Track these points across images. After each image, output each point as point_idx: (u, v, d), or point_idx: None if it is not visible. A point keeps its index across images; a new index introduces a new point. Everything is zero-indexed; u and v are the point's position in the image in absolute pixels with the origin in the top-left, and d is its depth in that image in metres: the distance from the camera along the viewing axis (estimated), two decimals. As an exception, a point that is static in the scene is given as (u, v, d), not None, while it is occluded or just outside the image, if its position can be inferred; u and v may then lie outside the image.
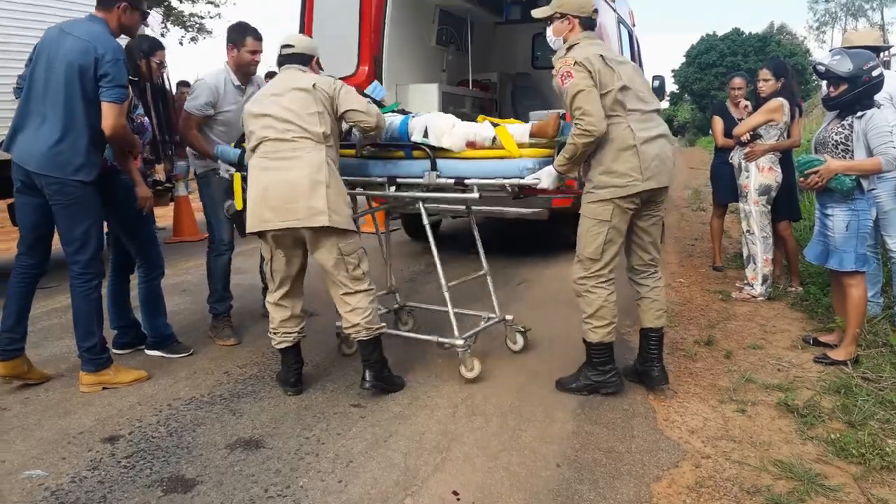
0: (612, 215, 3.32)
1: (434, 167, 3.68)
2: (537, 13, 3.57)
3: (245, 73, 4.49)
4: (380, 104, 4.20)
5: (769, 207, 5.41)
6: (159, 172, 5.17)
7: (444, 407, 3.44)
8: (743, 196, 5.51)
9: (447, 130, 3.70)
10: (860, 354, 3.96)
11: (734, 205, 6.11)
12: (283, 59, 3.65)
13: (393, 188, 3.89)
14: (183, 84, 9.66)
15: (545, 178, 3.45)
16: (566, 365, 3.92)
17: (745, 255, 5.59)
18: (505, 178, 3.58)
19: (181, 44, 25.15)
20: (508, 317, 4.28)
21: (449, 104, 7.84)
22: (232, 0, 22.80)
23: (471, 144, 3.70)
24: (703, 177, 13.29)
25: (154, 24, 22.02)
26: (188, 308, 5.41)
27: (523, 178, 3.52)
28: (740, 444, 3.06)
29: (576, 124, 3.23)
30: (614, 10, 8.28)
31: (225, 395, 3.62)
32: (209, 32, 24.78)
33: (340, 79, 6.18)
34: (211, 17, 24.04)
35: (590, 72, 3.22)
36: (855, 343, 3.97)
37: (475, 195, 3.65)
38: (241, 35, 4.43)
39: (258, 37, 4.47)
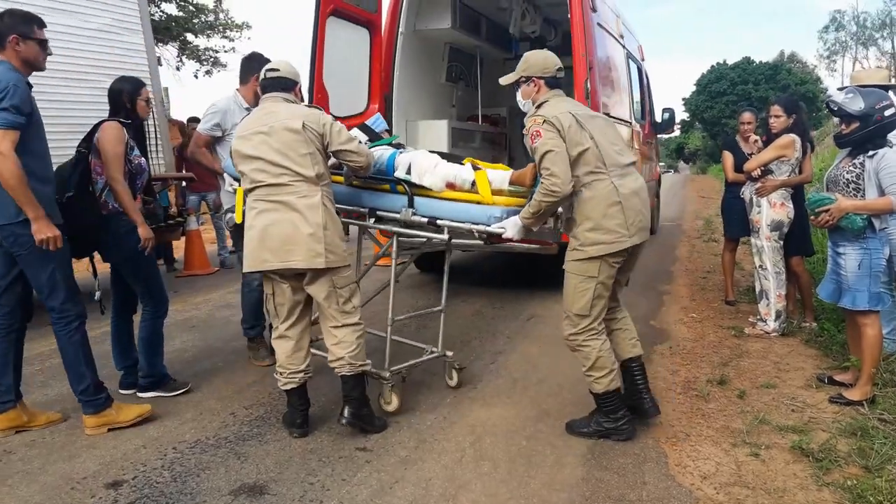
0: (599, 271, 3.33)
1: (411, 204, 3.77)
2: (504, 81, 3.64)
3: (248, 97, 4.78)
4: (378, 136, 4.24)
5: (781, 243, 5.36)
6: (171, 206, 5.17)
7: (451, 451, 3.39)
8: (755, 231, 5.46)
9: (429, 170, 3.75)
10: (876, 394, 3.88)
11: (747, 237, 6.06)
12: (269, 84, 3.65)
13: (373, 220, 3.98)
14: (193, 120, 9.76)
15: (510, 227, 3.48)
16: (577, 405, 3.88)
17: (757, 290, 5.53)
18: (473, 223, 3.63)
19: (196, 77, 25.51)
20: (449, 353, 4.33)
21: (459, 140, 7.89)
22: (246, 35, 22.99)
23: (451, 186, 3.73)
24: (714, 206, 13.25)
25: (170, 58, 21.97)
26: (196, 345, 5.39)
27: (489, 225, 3.56)
28: (754, 491, 2.98)
29: (542, 183, 3.25)
30: (623, 47, 8.34)
31: (230, 438, 3.59)
32: (224, 66, 25.11)
33: (350, 117, 6.29)
34: (225, 51, 24.39)
35: (558, 130, 3.23)
36: (871, 383, 3.90)
37: (444, 236, 3.76)
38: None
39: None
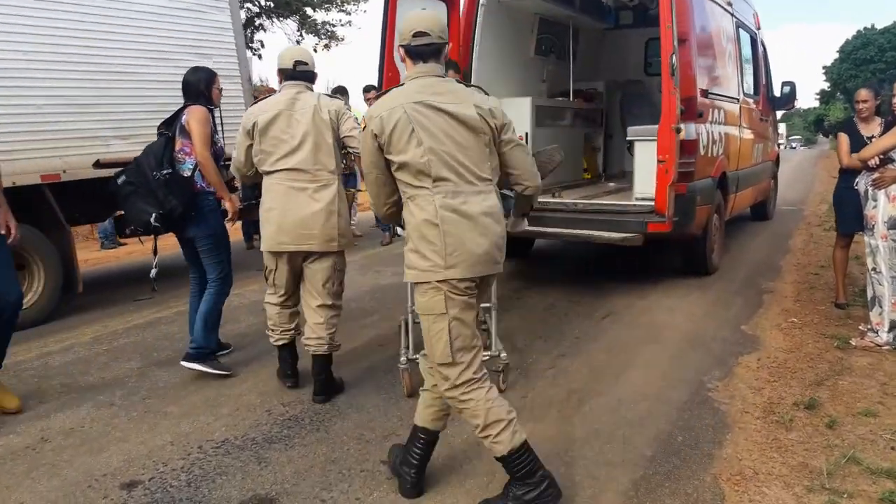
0: (447, 305, 2.62)
1: None
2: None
3: None
4: None
5: (901, 243, 4.65)
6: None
7: (480, 474, 3.09)
8: (869, 228, 4.78)
9: None
10: None
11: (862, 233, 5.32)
12: (298, 74, 3.83)
13: None
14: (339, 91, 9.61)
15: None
16: (633, 426, 3.51)
17: (869, 295, 4.84)
18: None
19: (315, 51, 25.99)
20: (503, 354, 4.01)
21: (545, 117, 7.46)
22: (363, 8, 23.38)
23: None
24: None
25: (290, 32, 22.61)
26: (259, 330, 5.29)
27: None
28: (822, 555, 2.52)
29: None
30: (732, 15, 7.56)
31: (258, 439, 3.46)
32: (341, 39, 25.47)
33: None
34: (342, 25, 24.68)
35: (376, 136, 2.64)
36: None
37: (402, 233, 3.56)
38: None
39: (456, 69, 5.13)
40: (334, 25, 24.86)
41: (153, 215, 4.12)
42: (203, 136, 4.15)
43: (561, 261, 8.11)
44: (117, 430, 3.60)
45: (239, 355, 4.75)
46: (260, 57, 20.51)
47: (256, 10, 22.76)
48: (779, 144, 11.74)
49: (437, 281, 2.60)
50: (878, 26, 44.99)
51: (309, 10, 24.10)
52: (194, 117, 4.17)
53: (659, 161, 5.43)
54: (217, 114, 4.58)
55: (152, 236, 4.38)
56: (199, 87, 4.32)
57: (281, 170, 3.73)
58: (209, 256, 4.37)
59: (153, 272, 4.45)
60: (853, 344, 4.75)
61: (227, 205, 4.34)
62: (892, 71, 40.38)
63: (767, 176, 9.92)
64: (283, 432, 3.55)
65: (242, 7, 21.40)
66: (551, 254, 8.32)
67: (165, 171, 4.15)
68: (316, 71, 3.93)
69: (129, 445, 3.42)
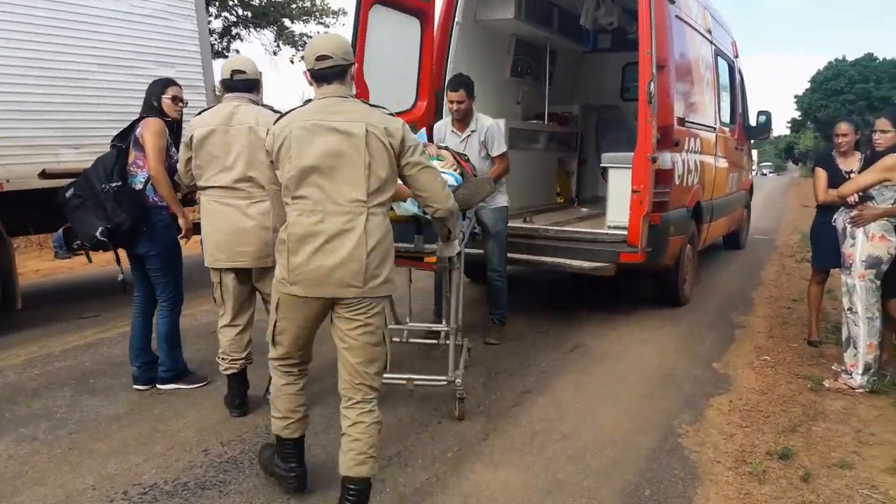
0: (278, 305, 2.83)
1: None
2: None
3: (453, 119, 5.14)
4: None
5: (878, 283, 4.50)
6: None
7: (430, 529, 2.84)
8: (846, 267, 4.62)
9: None
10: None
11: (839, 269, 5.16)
12: (236, 84, 3.76)
13: None
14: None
15: None
16: (600, 475, 3.27)
17: (844, 336, 4.69)
18: None
19: (292, 62, 25.75)
20: (458, 381, 3.87)
21: (519, 140, 7.27)
22: (341, 21, 23.25)
23: None
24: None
25: (267, 43, 22.31)
26: (206, 356, 4.93)
27: None
28: None
29: None
30: (711, 43, 7.46)
31: (190, 485, 3.16)
32: (318, 52, 25.22)
33: (396, 114, 5.85)
34: (320, 37, 24.47)
35: (268, 152, 2.79)
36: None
37: None
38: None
39: (453, 88, 5.02)
40: (312, 38, 24.67)
41: (100, 229, 3.97)
42: (157, 148, 4.02)
43: (529, 288, 7.88)
44: (35, 471, 3.27)
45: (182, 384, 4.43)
46: (235, 67, 20.18)
47: (234, 19, 22.44)
48: (752, 171, 11.72)
49: (284, 293, 2.76)
50: (850, 58, 45.92)
51: (287, 22, 23.88)
52: (149, 129, 4.04)
53: (633, 191, 5.25)
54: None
55: (112, 251, 4.21)
56: (150, 99, 4.20)
57: (214, 186, 3.73)
58: (160, 275, 4.23)
59: (120, 276, 4.28)
60: (826, 386, 4.58)
61: (180, 221, 4.17)
62: (862, 102, 41.14)
63: (741, 205, 9.84)
64: (219, 476, 3.25)
65: (219, 16, 21.11)
66: (520, 280, 8.09)
67: (115, 184, 4.02)
68: (258, 78, 3.85)
69: (45, 489, 3.10)
